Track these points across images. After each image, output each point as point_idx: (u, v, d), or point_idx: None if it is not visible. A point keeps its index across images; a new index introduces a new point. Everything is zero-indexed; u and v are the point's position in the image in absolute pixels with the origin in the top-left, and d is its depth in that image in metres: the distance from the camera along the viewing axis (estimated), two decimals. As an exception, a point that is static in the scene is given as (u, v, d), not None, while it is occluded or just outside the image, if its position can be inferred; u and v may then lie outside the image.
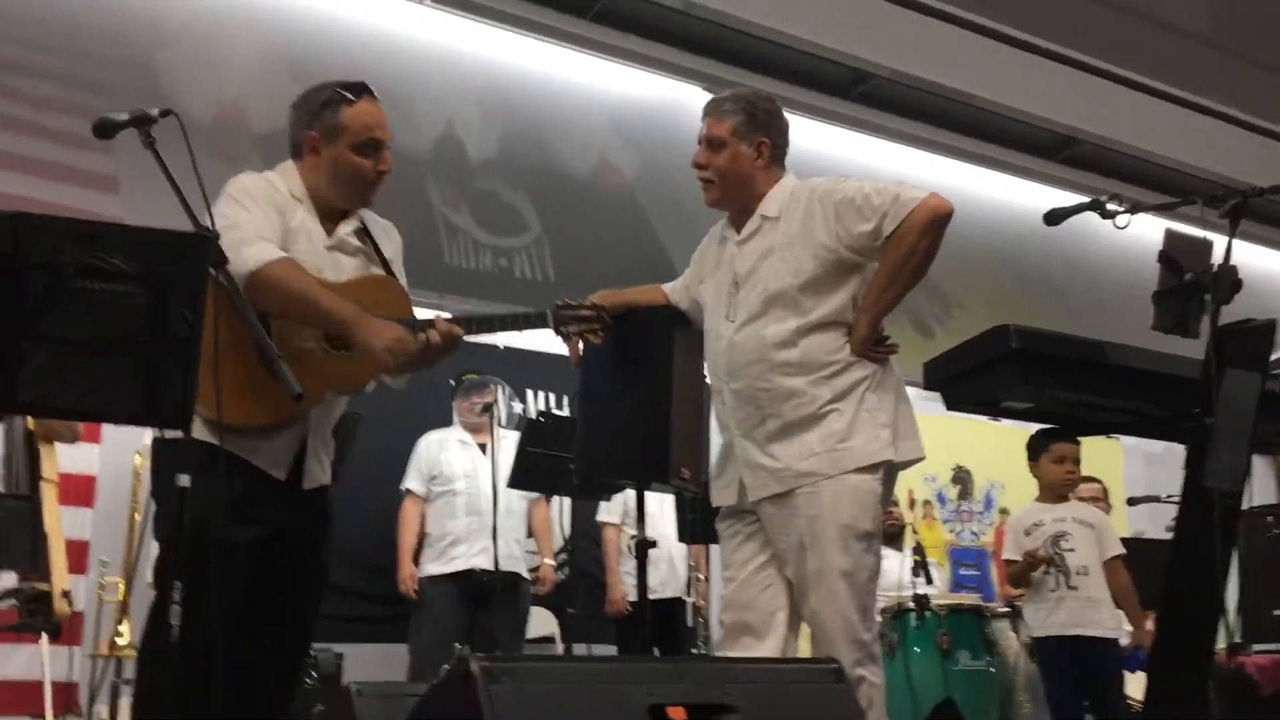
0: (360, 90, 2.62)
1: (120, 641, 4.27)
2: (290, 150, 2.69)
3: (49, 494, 3.57)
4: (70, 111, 5.19)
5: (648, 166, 5.84)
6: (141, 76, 5.28)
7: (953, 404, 2.73)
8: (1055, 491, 4.23)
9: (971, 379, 2.67)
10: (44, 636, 3.81)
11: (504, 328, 3.01)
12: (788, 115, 2.99)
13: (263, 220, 2.49)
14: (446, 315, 2.76)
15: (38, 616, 3.48)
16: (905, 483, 7.06)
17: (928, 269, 2.74)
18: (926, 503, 7.40)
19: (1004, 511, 7.64)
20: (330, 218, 2.64)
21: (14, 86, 5.08)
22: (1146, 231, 3.12)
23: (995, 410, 2.82)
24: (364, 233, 2.70)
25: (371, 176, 2.61)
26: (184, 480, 1.96)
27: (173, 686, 2.23)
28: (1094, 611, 4.02)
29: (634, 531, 5.33)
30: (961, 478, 7.55)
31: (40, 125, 5.09)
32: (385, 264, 2.73)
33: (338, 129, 2.57)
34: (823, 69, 5.12)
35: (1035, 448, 4.20)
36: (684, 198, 6.08)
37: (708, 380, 3.08)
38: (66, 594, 3.46)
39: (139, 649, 2.69)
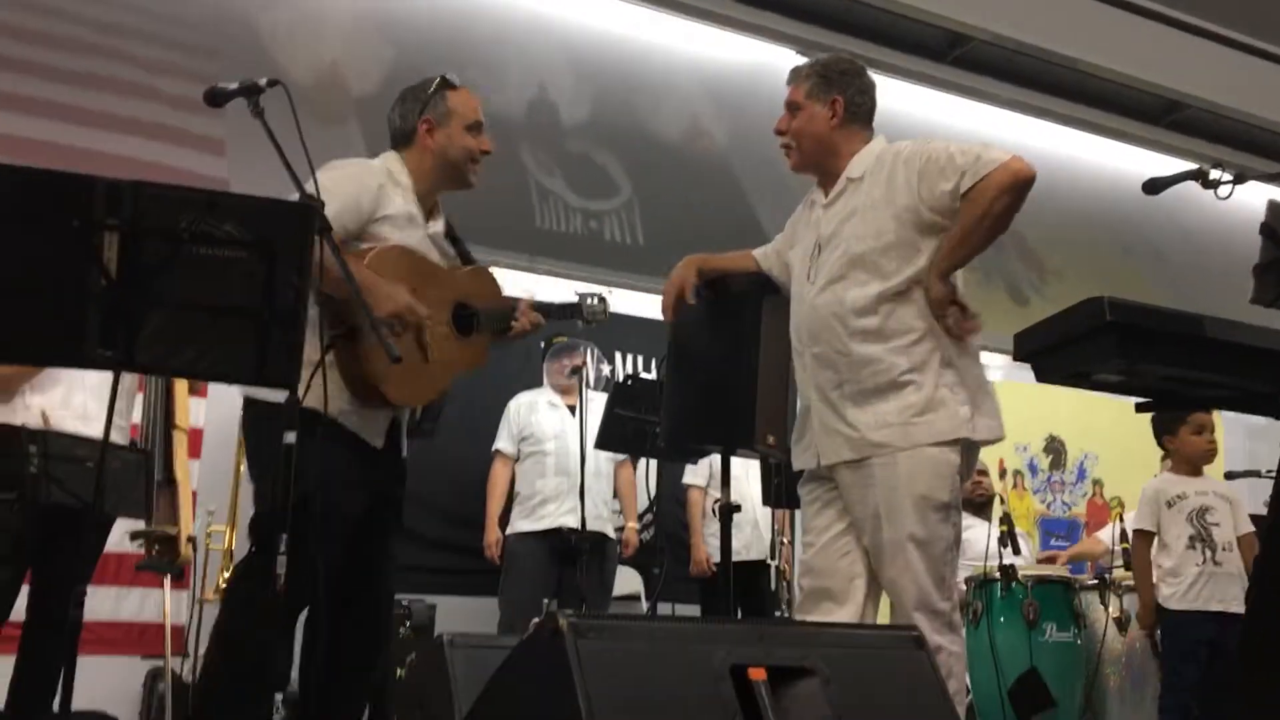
0: (456, 81, 2.89)
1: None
2: (394, 141, 2.88)
3: (180, 442, 3.77)
4: (179, 75, 5.36)
5: (740, 131, 5.83)
6: (246, 40, 5.43)
7: (1043, 376, 2.69)
8: (1195, 463, 4.19)
9: (1063, 351, 2.62)
10: (167, 578, 4.01)
11: (558, 316, 3.31)
12: (883, 79, 3.00)
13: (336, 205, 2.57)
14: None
15: (164, 558, 3.68)
16: (996, 452, 7.00)
17: (1003, 230, 2.73)
18: (1017, 472, 7.31)
19: (1097, 483, 7.52)
20: (425, 209, 2.85)
21: (127, 50, 5.26)
22: (1253, 199, 3.04)
23: (1087, 383, 2.77)
24: (448, 231, 2.96)
25: (478, 155, 2.88)
26: (290, 438, 2.05)
27: (254, 633, 2.38)
28: (1236, 587, 3.96)
29: (719, 494, 5.44)
30: (1055, 448, 7.44)
31: (152, 88, 5.27)
32: (466, 258, 2.98)
33: (449, 113, 2.82)
34: (919, 32, 5.04)
35: (1171, 420, 4.13)
36: (776, 162, 6.00)
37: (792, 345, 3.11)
38: (191, 539, 3.65)
39: (225, 592, 2.82)
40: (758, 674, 1.89)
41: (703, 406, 3.14)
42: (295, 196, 2.21)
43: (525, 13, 5.25)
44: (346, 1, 5.53)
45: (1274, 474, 2.85)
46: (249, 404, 2.60)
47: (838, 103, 2.88)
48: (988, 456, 6.03)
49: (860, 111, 2.91)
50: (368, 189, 2.69)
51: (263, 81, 2.44)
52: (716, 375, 3.11)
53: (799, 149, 2.91)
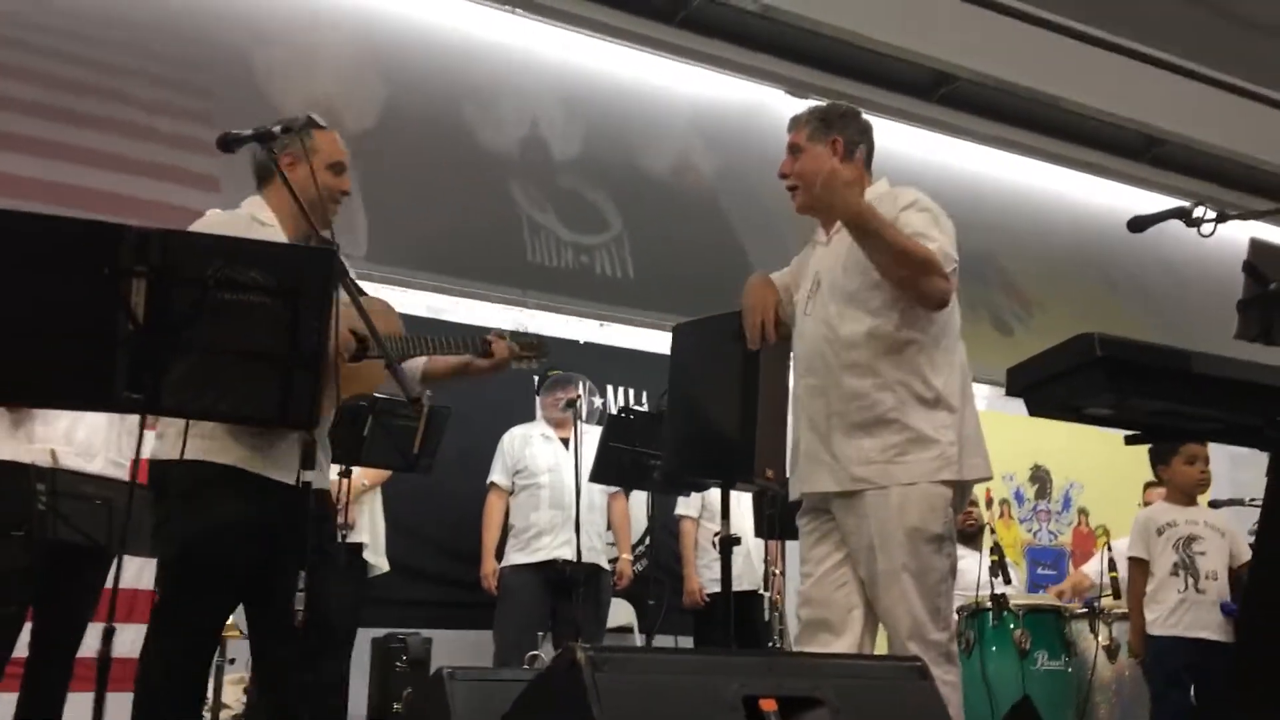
0: (322, 122, 2.83)
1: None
2: (257, 178, 2.83)
3: None
4: (175, 114, 5.42)
5: (728, 167, 5.92)
6: (240, 79, 5.50)
7: (1035, 410, 2.76)
8: (1188, 493, 4.26)
9: (1054, 386, 2.69)
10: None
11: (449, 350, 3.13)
12: (870, 118, 3.08)
13: None
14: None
15: None
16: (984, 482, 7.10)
17: (890, 275, 2.78)
18: (1004, 502, 7.39)
19: (1082, 511, 7.60)
20: (299, 242, 2.76)
21: (124, 90, 5.31)
22: (1234, 233, 3.13)
23: (1078, 417, 2.84)
24: None
25: (339, 196, 2.81)
26: (308, 476, 2.09)
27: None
28: (1218, 615, 4.03)
29: (711, 526, 5.50)
30: (1040, 477, 7.53)
31: (149, 127, 5.32)
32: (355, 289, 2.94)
33: (312, 150, 2.76)
34: (905, 71, 5.15)
35: (1164, 450, 4.21)
36: (764, 198, 6.16)
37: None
38: None
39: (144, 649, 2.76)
40: (769, 705, 1.94)
41: (703, 441, 3.21)
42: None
43: (519, 52, 5.35)
44: (341, 40, 5.61)
45: (1256, 502, 2.92)
46: (155, 464, 2.57)
47: (838, 143, 2.98)
48: (975, 487, 6.11)
49: (855, 148, 3.01)
50: (244, 234, 2.67)
51: (276, 128, 2.50)
52: (716, 410, 3.17)
53: (803, 190, 2.99)
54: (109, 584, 3.75)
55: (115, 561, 3.48)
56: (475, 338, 3.13)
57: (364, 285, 6.32)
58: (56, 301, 1.84)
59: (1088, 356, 2.63)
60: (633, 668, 1.91)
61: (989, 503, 7.16)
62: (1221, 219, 2.99)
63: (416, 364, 3.06)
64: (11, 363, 1.82)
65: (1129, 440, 3.09)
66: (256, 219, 2.72)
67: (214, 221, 2.68)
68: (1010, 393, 2.83)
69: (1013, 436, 7.13)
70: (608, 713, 1.80)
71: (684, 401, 3.32)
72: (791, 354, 3.08)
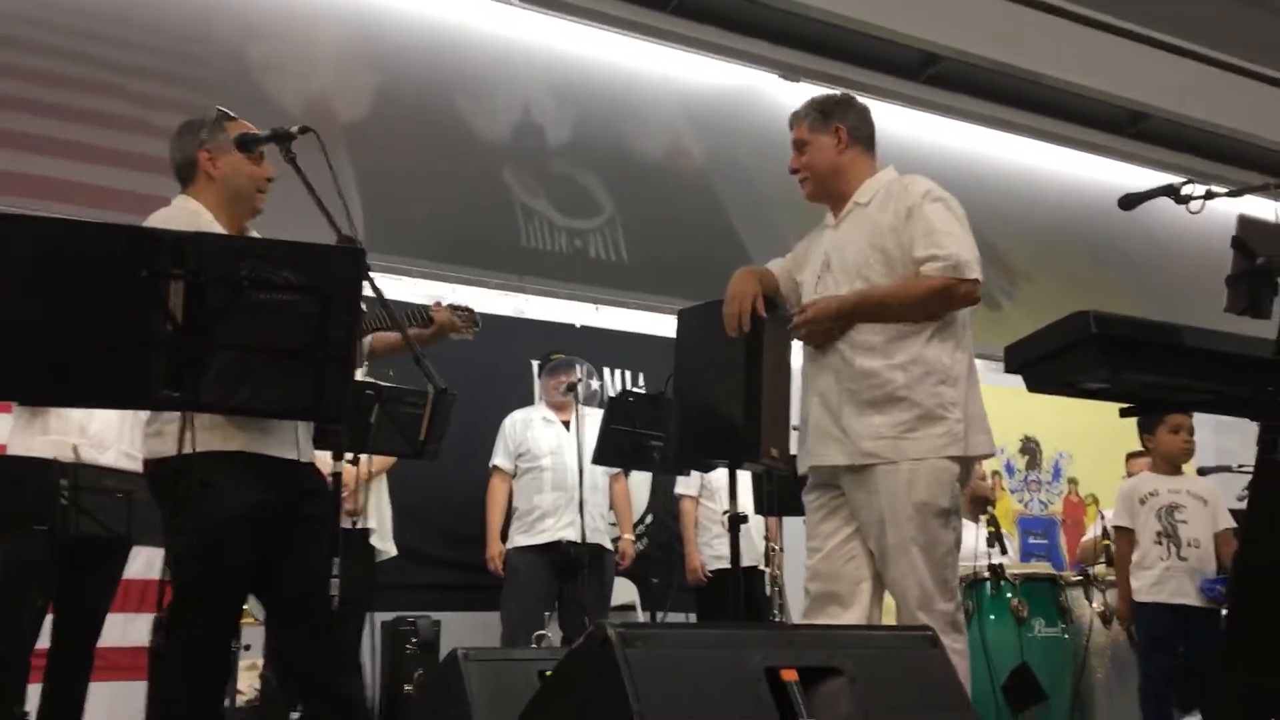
0: (233, 114, 2.85)
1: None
2: (178, 176, 2.86)
3: None
4: (171, 107, 5.43)
5: (720, 150, 5.99)
6: (235, 72, 5.52)
7: (1034, 386, 2.86)
8: (1172, 462, 4.35)
9: (1051, 363, 2.79)
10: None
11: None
12: (860, 98, 3.19)
13: None
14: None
15: None
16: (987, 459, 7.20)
17: (917, 320, 2.93)
18: (995, 473, 7.51)
19: (1072, 481, 7.73)
20: (234, 232, 2.81)
21: (119, 85, 5.34)
22: (1220, 206, 3.21)
23: (1075, 392, 2.94)
24: None
25: (263, 182, 2.82)
26: (338, 466, 2.17)
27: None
28: (1199, 582, 4.14)
29: (711, 504, 5.59)
30: (1030, 448, 7.65)
31: (144, 121, 5.35)
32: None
33: (228, 142, 2.76)
34: (892, 52, 5.22)
35: (1150, 420, 4.29)
36: (755, 180, 6.23)
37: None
38: None
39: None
40: (790, 675, 2.03)
41: (708, 423, 3.29)
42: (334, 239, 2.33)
43: (511, 41, 5.40)
44: (334, 32, 5.64)
45: (1244, 468, 3.02)
46: (150, 463, 2.64)
47: (840, 130, 3.09)
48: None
49: (861, 135, 3.13)
50: (200, 226, 2.67)
51: (294, 129, 2.55)
52: (721, 392, 3.25)
53: (812, 179, 3.11)
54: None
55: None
56: (419, 309, 3.27)
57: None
58: (97, 305, 1.90)
59: (1083, 333, 2.73)
60: (661, 644, 1.99)
61: (981, 475, 7.28)
62: (1209, 196, 3.07)
63: (364, 343, 3.12)
64: (57, 365, 1.89)
65: (1123, 413, 3.19)
66: (195, 215, 2.74)
67: (162, 218, 2.70)
68: (1009, 370, 2.93)
69: (1003, 408, 7.16)
70: (640, 686, 1.89)
71: (689, 385, 3.40)
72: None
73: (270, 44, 5.58)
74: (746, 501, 5.34)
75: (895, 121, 5.70)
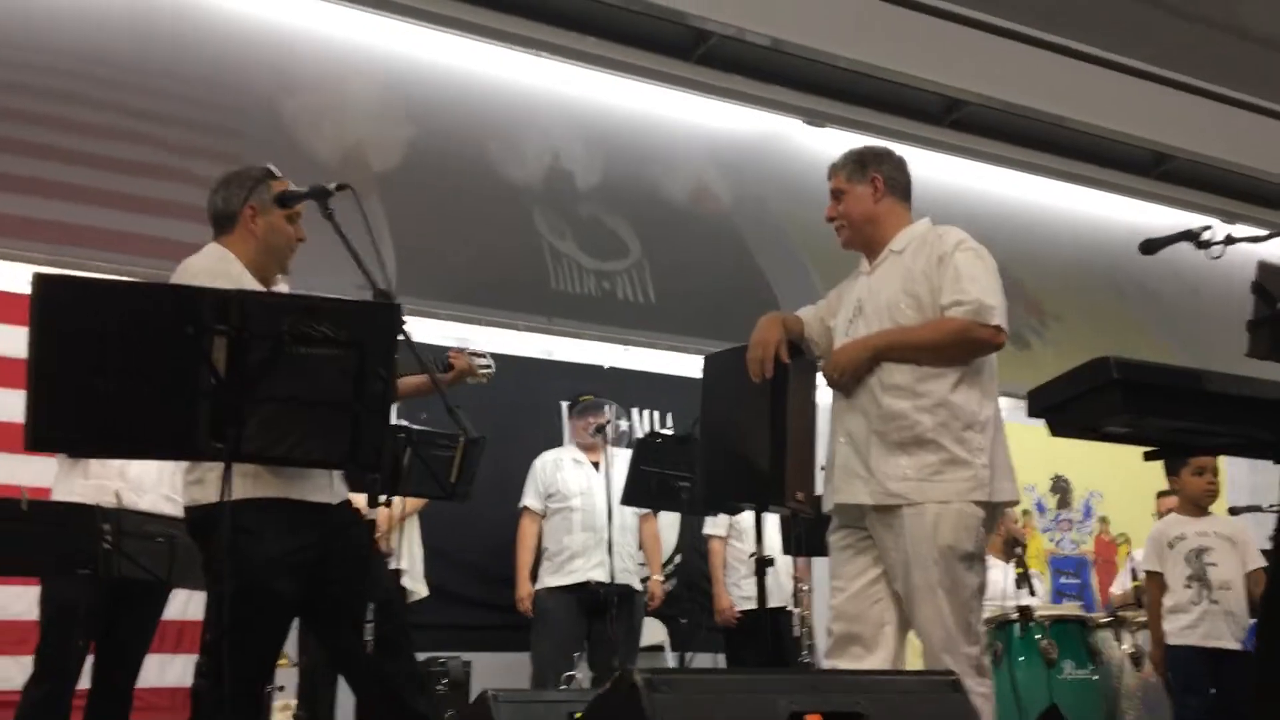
0: (279, 173, 2.96)
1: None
2: (216, 224, 2.95)
3: None
4: (207, 156, 5.59)
5: (746, 194, 6.07)
6: (272, 123, 5.66)
7: (1056, 431, 2.89)
8: (1197, 503, 4.35)
9: (1073, 407, 2.83)
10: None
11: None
12: (885, 143, 3.26)
13: None
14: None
15: None
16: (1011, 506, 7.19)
17: (939, 364, 2.99)
18: (1025, 512, 7.49)
19: (1103, 520, 7.69)
20: (264, 286, 2.91)
21: (161, 136, 5.49)
22: (1246, 246, 3.23)
23: (1097, 436, 2.97)
24: None
25: (294, 243, 2.92)
26: (373, 514, 2.24)
27: None
28: (1233, 625, 4.13)
29: (740, 545, 5.62)
30: (1061, 487, 7.63)
31: (186, 170, 5.49)
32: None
33: (271, 201, 2.87)
34: (916, 98, 5.30)
35: (1174, 462, 4.30)
36: (781, 223, 6.30)
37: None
38: None
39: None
40: (814, 719, 2.07)
41: (735, 467, 3.34)
42: (370, 294, 2.41)
43: (539, 90, 5.52)
44: (367, 85, 5.77)
45: (1274, 507, 3.04)
46: (191, 509, 2.71)
47: (877, 179, 3.18)
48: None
49: (897, 185, 3.21)
50: (231, 282, 2.73)
51: (332, 186, 2.65)
52: (747, 436, 3.30)
53: (849, 227, 3.19)
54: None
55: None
56: (438, 356, 3.32)
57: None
58: (145, 360, 1.99)
59: (1104, 379, 2.77)
60: (687, 688, 2.04)
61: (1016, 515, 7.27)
62: (1230, 241, 3.12)
63: None
64: (109, 418, 1.97)
65: (1147, 456, 3.22)
66: (229, 266, 2.82)
67: (198, 269, 2.80)
68: (1032, 414, 2.97)
69: (1033, 447, 7.17)
70: (666, 730, 1.94)
71: (715, 429, 3.45)
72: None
73: (306, 96, 5.72)
74: (775, 542, 5.38)
75: (920, 165, 5.73)
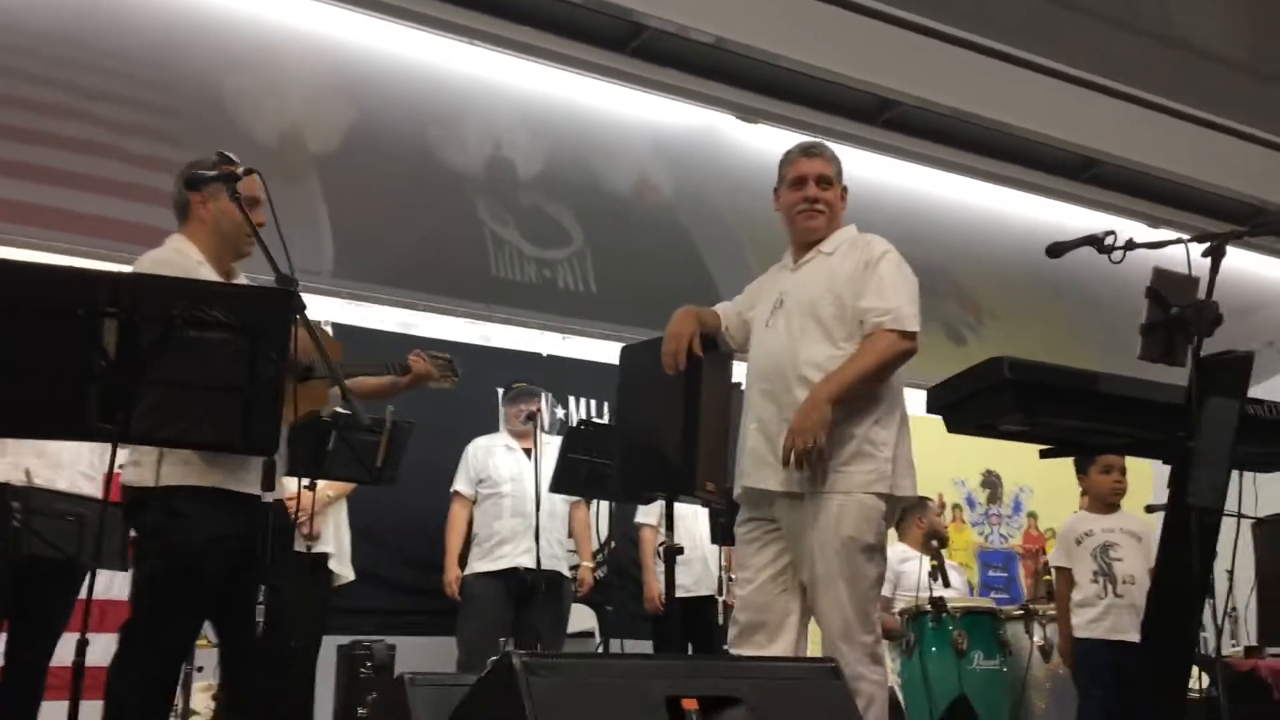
0: (235, 159, 2.94)
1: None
2: (178, 217, 2.97)
3: None
4: (145, 135, 5.56)
5: (687, 186, 6.12)
6: (210, 102, 5.62)
7: (953, 427, 2.99)
8: (1104, 501, 4.46)
9: (969, 405, 2.92)
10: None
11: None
12: (819, 140, 3.38)
13: None
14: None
15: None
16: (936, 486, 7.32)
17: (880, 382, 3.12)
18: (956, 506, 7.63)
19: (1031, 515, 7.84)
20: (222, 274, 2.92)
21: (96, 113, 5.44)
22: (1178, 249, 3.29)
23: (994, 433, 3.07)
24: None
25: (247, 228, 2.87)
26: (268, 497, 2.27)
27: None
28: (1138, 619, 4.24)
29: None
30: (991, 482, 7.77)
31: (120, 149, 5.46)
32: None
33: (219, 188, 2.85)
34: (850, 97, 5.37)
35: (1083, 460, 4.41)
36: (722, 215, 6.35)
37: (739, 384, 3.40)
38: None
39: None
40: (690, 704, 2.13)
41: (648, 456, 3.41)
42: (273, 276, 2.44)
43: (481, 79, 5.51)
44: (308, 67, 5.74)
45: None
46: (126, 489, 2.73)
47: (844, 191, 3.34)
48: (930, 490, 6.34)
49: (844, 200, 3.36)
50: (184, 272, 2.77)
51: (239, 170, 2.67)
52: (660, 427, 3.37)
53: (828, 216, 3.28)
54: (82, 595, 3.94)
55: (89, 574, 3.66)
56: (396, 359, 3.33)
57: (332, 302, 6.43)
58: (35, 341, 2.01)
59: (997, 379, 2.86)
60: (564, 672, 2.09)
61: (941, 507, 7.39)
62: (1130, 247, 3.20)
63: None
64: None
65: (1043, 454, 3.32)
66: (186, 256, 2.84)
67: (153, 259, 2.82)
68: (930, 411, 3.06)
69: (965, 443, 7.29)
70: (542, 714, 1.99)
71: (631, 419, 3.52)
72: (749, 360, 3.32)
73: (244, 75, 5.69)
74: (703, 530, 5.46)
75: (853, 163, 5.81)
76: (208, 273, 2.83)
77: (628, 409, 3.52)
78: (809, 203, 3.25)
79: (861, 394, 3.08)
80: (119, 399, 2.04)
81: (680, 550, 3.50)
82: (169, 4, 5.56)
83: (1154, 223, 6.27)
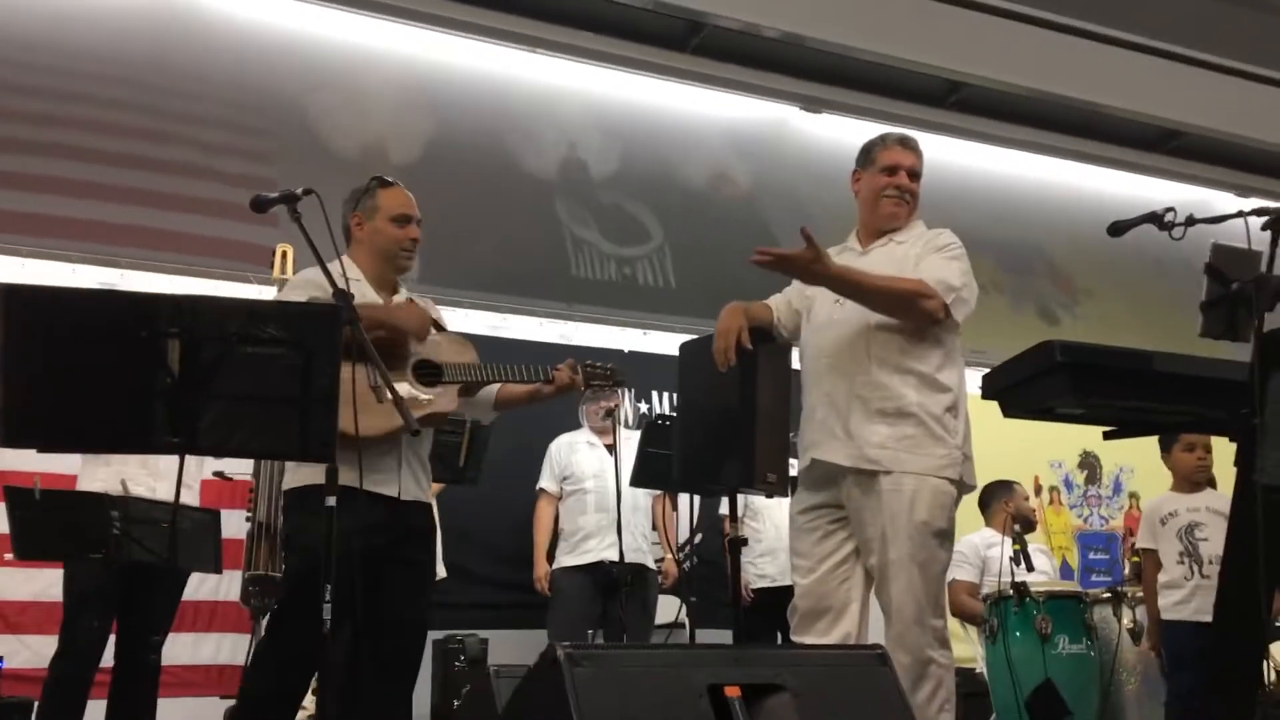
0: (391, 180, 3.22)
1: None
2: (345, 239, 3.20)
3: None
4: (235, 155, 5.82)
5: (762, 178, 6.15)
6: (296, 120, 5.88)
7: (1009, 412, 2.98)
8: (1189, 480, 4.37)
9: (1024, 390, 2.91)
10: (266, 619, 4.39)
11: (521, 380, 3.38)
12: (888, 127, 3.40)
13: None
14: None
15: (268, 599, 4.11)
16: (1031, 469, 7.20)
17: (879, 311, 3.12)
18: (1053, 489, 7.49)
19: (1133, 496, 7.65)
20: (386, 291, 3.21)
21: (189, 135, 5.73)
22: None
23: (1051, 417, 3.05)
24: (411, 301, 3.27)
25: (407, 243, 3.19)
26: (330, 502, 2.40)
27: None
28: None
29: (755, 524, 5.74)
30: (1089, 463, 7.60)
31: (211, 168, 5.73)
32: (437, 324, 3.27)
33: (375, 208, 3.16)
34: (917, 81, 5.33)
35: (1167, 439, 4.33)
36: (801, 204, 6.37)
37: (798, 363, 3.41)
38: None
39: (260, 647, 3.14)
40: (732, 692, 2.18)
41: (708, 449, 3.46)
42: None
43: (555, 86, 5.65)
44: (389, 82, 5.94)
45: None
46: (289, 492, 2.99)
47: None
48: (1023, 475, 6.25)
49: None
50: (322, 289, 2.90)
51: (299, 190, 2.80)
52: (720, 420, 3.42)
53: (910, 207, 3.33)
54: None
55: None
56: (542, 366, 3.43)
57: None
58: (105, 362, 2.17)
59: (1049, 362, 2.85)
60: (609, 663, 2.17)
61: (1037, 490, 7.27)
62: (1190, 223, 3.16)
63: (490, 391, 3.39)
64: (72, 416, 2.16)
65: (1106, 435, 3.28)
66: (348, 273, 3.00)
67: (299, 277, 3.09)
68: (985, 396, 3.05)
69: (1061, 425, 7.20)
70: (584, 704, 2.07)
71: (691, 413, 3.58)
72: (812, 335, 3.33)
73: (328, 94, 5.92)
74: (783, 520, 5.48)
75: (925, 148, 5.78)
76: (364, 289, 3.06)
77: (688, 403, 3.58)
78: (899, 190, 3.29)
79: (860, 302, 3.10)
80: (185, 414, 2.19)
81: (744, 541, 3.56)
82: (256, 30, 5.82)
83: (1242, 192, 6.08)
